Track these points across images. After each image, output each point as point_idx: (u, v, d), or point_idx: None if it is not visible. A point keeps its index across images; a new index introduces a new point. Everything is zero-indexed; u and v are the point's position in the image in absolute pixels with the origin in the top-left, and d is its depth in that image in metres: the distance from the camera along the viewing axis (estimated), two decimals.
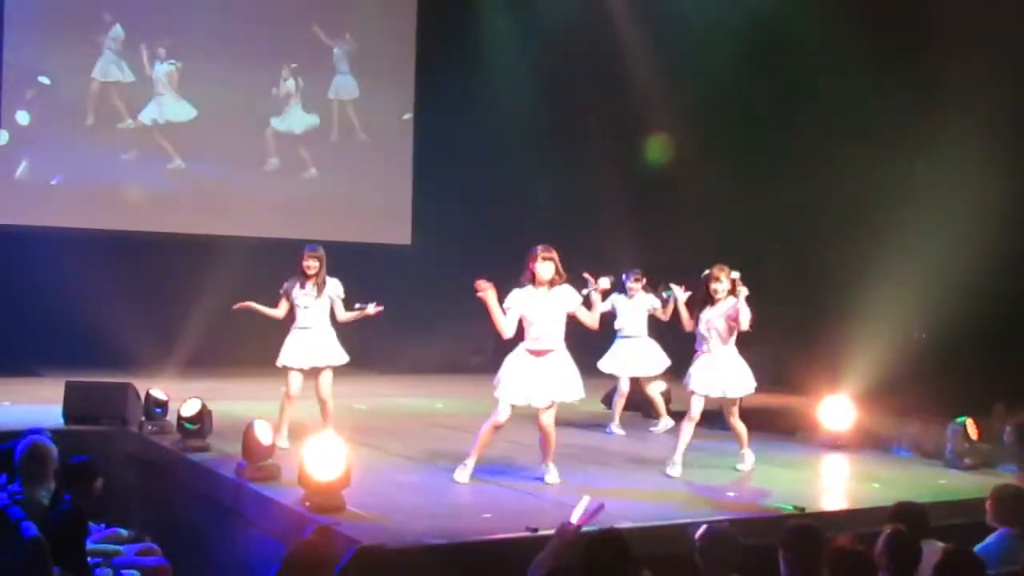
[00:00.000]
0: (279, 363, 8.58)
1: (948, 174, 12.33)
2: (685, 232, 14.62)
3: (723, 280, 7.99)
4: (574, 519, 5.14)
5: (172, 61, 14.87)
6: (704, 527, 4.92)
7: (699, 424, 8.16)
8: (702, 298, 8.11)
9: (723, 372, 8.02)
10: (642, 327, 10.34)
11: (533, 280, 7.31)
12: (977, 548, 5.27)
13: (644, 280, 10.34)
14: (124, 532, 6.65)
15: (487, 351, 16.14)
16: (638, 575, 4.65)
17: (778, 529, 5.05)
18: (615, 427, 10.28)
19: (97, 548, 6.18)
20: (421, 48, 16.42)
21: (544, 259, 7.28)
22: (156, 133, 14.86)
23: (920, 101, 12.56)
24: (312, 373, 8.57)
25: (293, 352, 8.57)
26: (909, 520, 5.23)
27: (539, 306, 7.30)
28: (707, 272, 8.08)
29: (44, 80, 14.18)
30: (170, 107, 14.91)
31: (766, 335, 13.57)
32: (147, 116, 14.80)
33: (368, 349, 14.20)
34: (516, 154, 15.82)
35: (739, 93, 14.61)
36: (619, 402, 10.38)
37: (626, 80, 15.75)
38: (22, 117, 14.08)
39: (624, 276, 10.30)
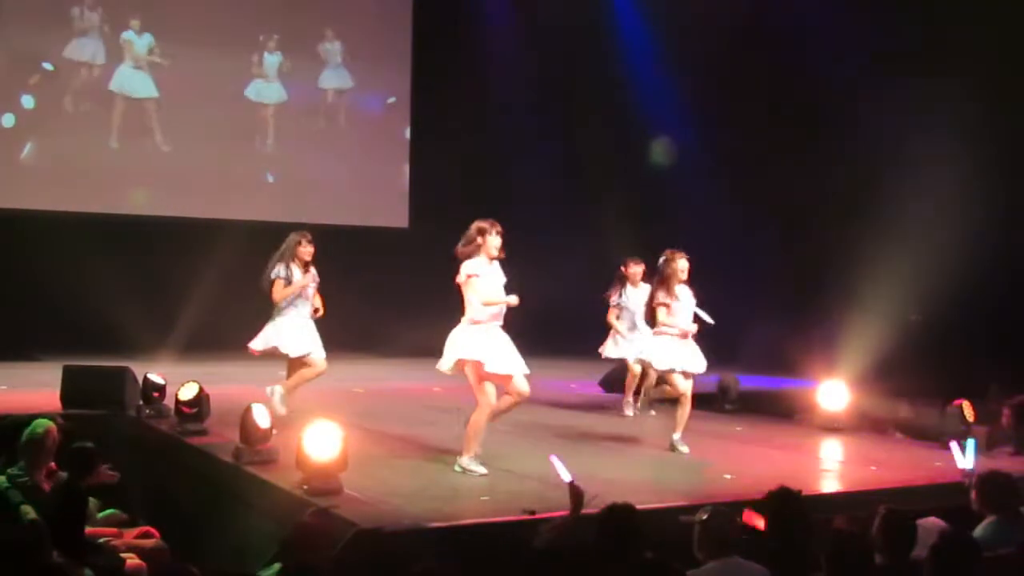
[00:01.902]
0: (301, 352, 8.73)
1: (946, 157, 12.31)
2: (683, 218, 14.62)
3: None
4: (566, 477, 5.38)
5: (146, 35, 14.81)
6: (701, 511, 4.94)
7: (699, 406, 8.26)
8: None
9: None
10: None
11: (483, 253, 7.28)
12: None
13: (643, 266, 10.22)
14: (121, 513, 6.66)
15: None
16: (641, 557, 4.66)
17: None
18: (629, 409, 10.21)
19: (95, 532, 6.19)
20: (417, 30, 16.35)
21: (496, 234, 7.29)
22: (152, 118, 14.78)
23: (917, 84, 12.53)
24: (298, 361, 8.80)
25: (311, 339, 8.81)
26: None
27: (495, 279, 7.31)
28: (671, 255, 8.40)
29: (47, 66, 14.17)
30: (139, 83, 14.82)
31: (764, 319, 13.73)
32: (117, 86, 14.66)
33: (366, 332, 14.28)
34: (514, 137, 15.79)
35: (736, 80, 14.59)
36: (632, 384, 10.28)
37: (624, 65, 15.73)
38: (27, 101, 14.09)
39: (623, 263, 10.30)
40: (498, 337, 7.22)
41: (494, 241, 7.25)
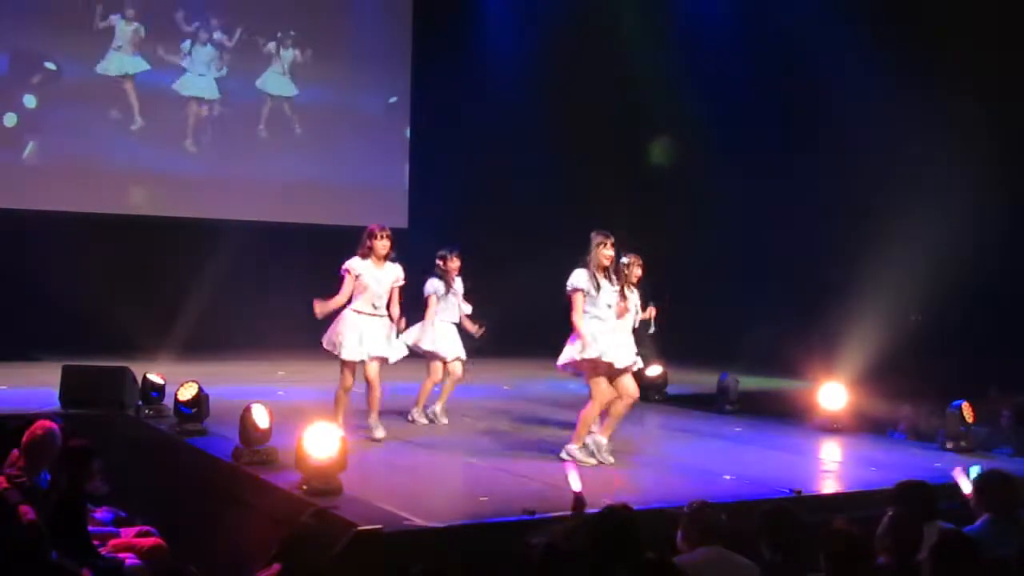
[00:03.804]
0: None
1: (945, 158, 12.33)
2: (683, 219, 14.62)
3: None
4: (576, 487, 5.39)
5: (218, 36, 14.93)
6: (684, 507, 4.98)
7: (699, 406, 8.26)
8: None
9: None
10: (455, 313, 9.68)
11: (372, 254, 8.08)
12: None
13: (459, 263, 9.56)
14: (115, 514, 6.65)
15: (482, 335, 16.13)
16: (640, 557, 4.67)
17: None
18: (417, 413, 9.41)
19: (94, 531, 6.19)
20: (417, 30, 16.34)
21: (383, 237, 8.12)
22: (155, 117, 14.77)
23: (919, 84, 12.54)
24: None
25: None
26: (915, 500, 5.22)
27: (376, 277, 8.06)
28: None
29: (50, 66, 14.17)
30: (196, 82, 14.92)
31: (764, 319, 13.73)
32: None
33: None
34: (514, 137, 15.77)
35: (736, 81, 14.59)
36: (428, 387, 9.53)
37: (623, 64, 15.73)
38: (29, 100, 14.10)
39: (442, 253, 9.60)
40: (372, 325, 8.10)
41: (380, 244, 8.06)
